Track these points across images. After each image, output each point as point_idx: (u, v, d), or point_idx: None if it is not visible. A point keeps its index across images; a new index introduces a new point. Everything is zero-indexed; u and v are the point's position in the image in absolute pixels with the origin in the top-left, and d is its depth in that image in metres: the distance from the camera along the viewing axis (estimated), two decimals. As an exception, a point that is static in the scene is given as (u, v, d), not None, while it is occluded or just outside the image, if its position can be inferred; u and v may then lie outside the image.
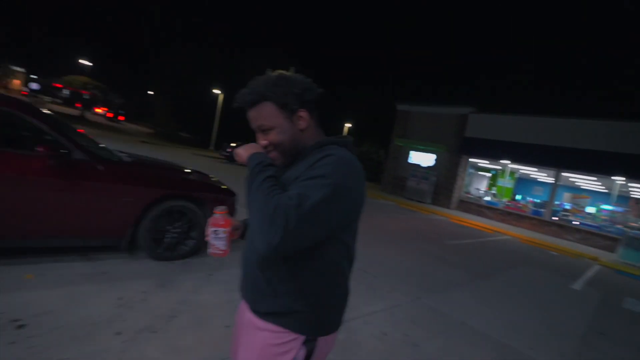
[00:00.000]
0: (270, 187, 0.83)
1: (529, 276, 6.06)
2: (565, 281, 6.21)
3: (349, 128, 36.48)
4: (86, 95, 39.79)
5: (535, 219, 13.07)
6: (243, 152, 0.99)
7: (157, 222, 3.13)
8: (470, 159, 15.25)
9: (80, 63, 38.52)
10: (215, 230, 1.02)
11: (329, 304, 0.97)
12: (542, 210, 13.43)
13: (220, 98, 28.49)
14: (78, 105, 39.04)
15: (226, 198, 3.60)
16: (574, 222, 12.59)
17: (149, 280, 2.82)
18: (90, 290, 2.49)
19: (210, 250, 1.05)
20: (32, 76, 42.21)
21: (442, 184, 15.28)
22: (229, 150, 17.89)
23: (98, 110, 43.88)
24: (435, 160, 15.82)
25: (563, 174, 13.03)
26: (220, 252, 1.04)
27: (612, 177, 11.86)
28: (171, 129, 37.67)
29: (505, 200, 15.00)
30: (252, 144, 1.01)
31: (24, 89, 38.93)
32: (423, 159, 16.29)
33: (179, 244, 3.33)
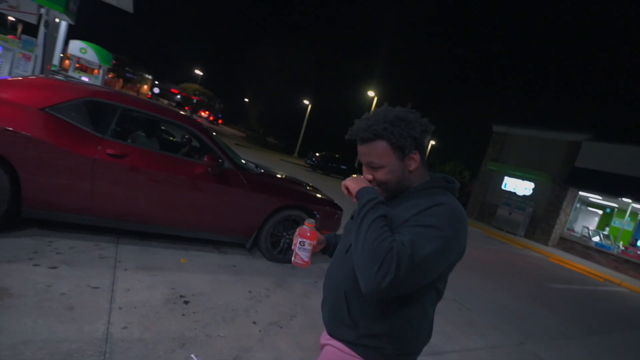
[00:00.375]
0: (382, 228, 0.83)
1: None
2: None
3: (432, 145, 34.97)
4: (195, 100, 45.67)
5: (663, 273, 10.89)
6: (353, 185, 0.98)
7: (276, 227, 3.55)
8: (580, 193, 13.41)
9: (194, 73, 44.52)
10: (302, 242, 1.06)
11: (410, 345, 0.96)
12: (675, 263, 11.11)
13: (309, 108, 30.10)
14: (187, 108, 45.44)
15: (335, 212, 3.88)
16: None
17: (269, 279, 3.21)
18: (227, 279, 2.95)
19: (293, 259, 1.08)
20: (155, 82, 50.23)
21: (541, 217, 13.72)
22: (314, 159, 18.75)
23: (202, 113, 49.92)
24: (534, 189, 14.30)
25: None
26: (303, 262, 1.08)
27: None
28: (260, 134, 40.92)
29: (621, 244, 12.79)
30: (360, 178, 1.00)
31: (149, 92, 46.46)
32: (519, 186, 14.86)
33: (290, 249, 3.71)
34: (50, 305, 1.96)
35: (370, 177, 0.99)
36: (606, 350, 4.05)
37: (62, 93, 2.59)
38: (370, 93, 22.92)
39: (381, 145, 0.93)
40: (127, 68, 39.38)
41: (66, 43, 10.50)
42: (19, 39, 4.69)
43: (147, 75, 46.05)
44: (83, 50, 11.44)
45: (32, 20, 4.70)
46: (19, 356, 1.55)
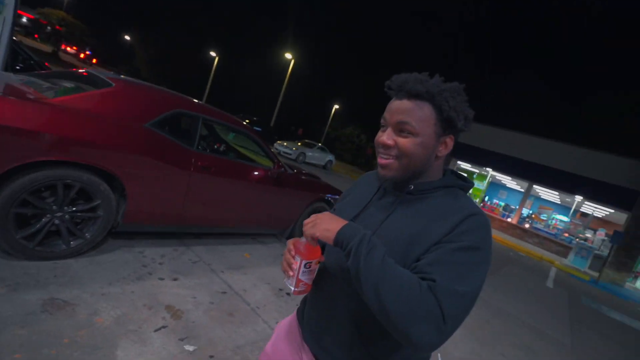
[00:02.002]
0: (396, 266, 0.68)
1: (517, 274, 7.78)
2: (540, 280, 8.02)
3: (336, 109, 37.17)
4: (51, 29, 36.27)
5: (504, 222, 15.26)
6: (325, 233, 0.73)
7: (307, 217, 4.10)
8: (458, 162, 17.05)
9: (58, -5, 34.82)
10: (308, 264, 0.75)
11: None
12: (511, 215, 15.67)
13: (215, 62, 27.78)
14: (36, 36, 36.05)
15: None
16: (535, 228, 14.97)
17: (313, 263, 3.83)
18: (291, 269, 3.47)
19: (295, 289, 0.78)
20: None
21: (430, 181, 16.99)
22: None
23: (68, 48, 40.51)
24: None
25: (534, 186, 15.24)
26: (306, 288, 0.80)
27: (574, 195, 14.18)
28: (151, 82, 36.00)
29: (476, 201, 17.12)
30: (329, 214, 0.77)
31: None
32: (415, 155, 17.84)
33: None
34: (217, 315, 2.27)
35: (390, 142, 0.78)
36: (500, 283, 6.11)
37: (157, 107, 2.51)
38: (288, 55, 22.66)
39: (427, 109, 0.76)
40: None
41: None
42: None
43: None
44: None
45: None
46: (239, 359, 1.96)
